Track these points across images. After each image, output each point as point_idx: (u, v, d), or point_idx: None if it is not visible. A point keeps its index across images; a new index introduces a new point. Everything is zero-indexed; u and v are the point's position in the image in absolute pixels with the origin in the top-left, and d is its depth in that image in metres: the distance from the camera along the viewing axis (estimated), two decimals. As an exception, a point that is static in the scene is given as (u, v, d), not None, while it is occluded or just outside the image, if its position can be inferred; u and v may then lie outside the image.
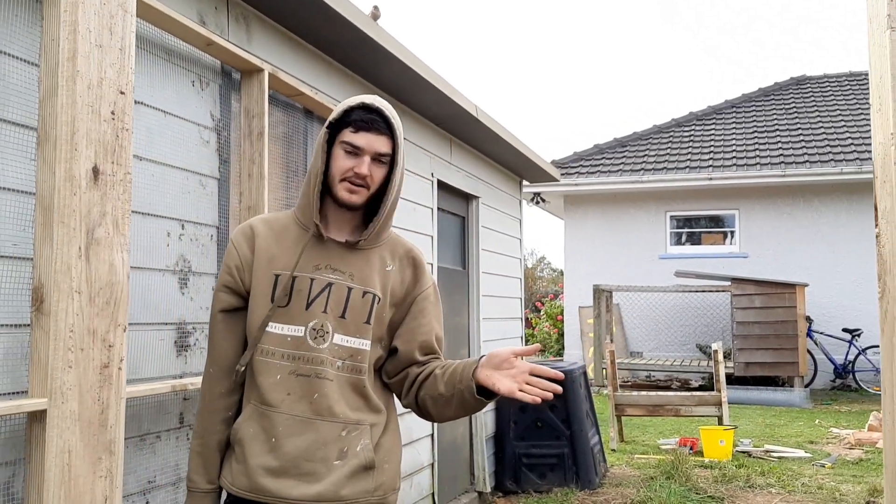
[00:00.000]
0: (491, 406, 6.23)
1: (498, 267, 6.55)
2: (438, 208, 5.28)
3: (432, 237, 5.10)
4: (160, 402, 2.66)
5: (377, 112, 1.86)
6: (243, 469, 1.85)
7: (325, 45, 3.62)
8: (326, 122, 1.89)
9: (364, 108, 1.86)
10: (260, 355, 1.87)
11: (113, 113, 2.02)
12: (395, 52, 3.79)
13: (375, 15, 3.95)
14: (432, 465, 5.05)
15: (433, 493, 5.04)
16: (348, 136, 1.85)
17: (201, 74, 2.93)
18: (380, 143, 1.85)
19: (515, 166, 6.81)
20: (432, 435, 5.05)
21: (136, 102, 2.59)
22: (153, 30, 2.66)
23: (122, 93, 2.06)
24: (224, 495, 1.94)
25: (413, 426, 4.68)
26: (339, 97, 3.80)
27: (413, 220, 4.79)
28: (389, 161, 1.88)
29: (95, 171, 1.96)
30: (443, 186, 5.37)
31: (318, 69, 3.68)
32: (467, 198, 6.01)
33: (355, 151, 1.84)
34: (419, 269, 1.99)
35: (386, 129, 1.86)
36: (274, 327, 1.86)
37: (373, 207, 1.93)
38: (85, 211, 1.94)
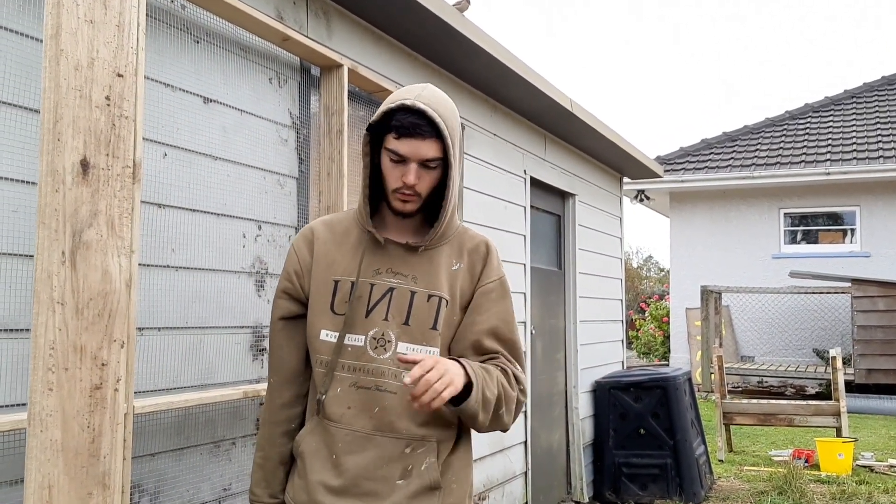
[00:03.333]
0: (589, 412, 6.00)
1: (596, 267, 6.31)
2: (532, 206, 5.10)
3: (525, 236, 4.92)
4: (235, 408, 2.60)
5: (420, 114, 1.65)
6: (303, 485, 1.75)
7: (408, 38, 3.50)
8: (367, 125, 1.72)
9: (405, 109, 1.66)
10: (321, 366, 1.76)
11: (108, 98, 1.78)
12: (481, 44, 3.64)
13: (462, 6, 3.80)
14: (525, 473, 4.87)
15: (527, 503, 4.86)
16: (392, 142, 1.67)
17: (279, 71, 2.86)
18: (426, 149, 1.66)
19: (615, 162, 6.54)
20: (526, 442, 4.87)
21: (209, 101, 2.54)
22: (227, 26, 2.60)
23: (119, 75, 1.81)
24: None
25: (505, 433, 4.51)
26: (424, 92, 3.67)
27: (504, 218, 4.63)
28: (442, 164, 1.70)
29: (84, 165, 1.72)
30: (536, 184, 5.18)
31: (401, 63, 3.57)
32: (563, 195, 5.79)
33: (401, 159, 1.67)
34: (487, 262, 1.80)
35: (431, 131, 1.66)
36: (333, 336, 1.74)
37: (432, 208, 1.78)
38: (71, 210, 1.70)
